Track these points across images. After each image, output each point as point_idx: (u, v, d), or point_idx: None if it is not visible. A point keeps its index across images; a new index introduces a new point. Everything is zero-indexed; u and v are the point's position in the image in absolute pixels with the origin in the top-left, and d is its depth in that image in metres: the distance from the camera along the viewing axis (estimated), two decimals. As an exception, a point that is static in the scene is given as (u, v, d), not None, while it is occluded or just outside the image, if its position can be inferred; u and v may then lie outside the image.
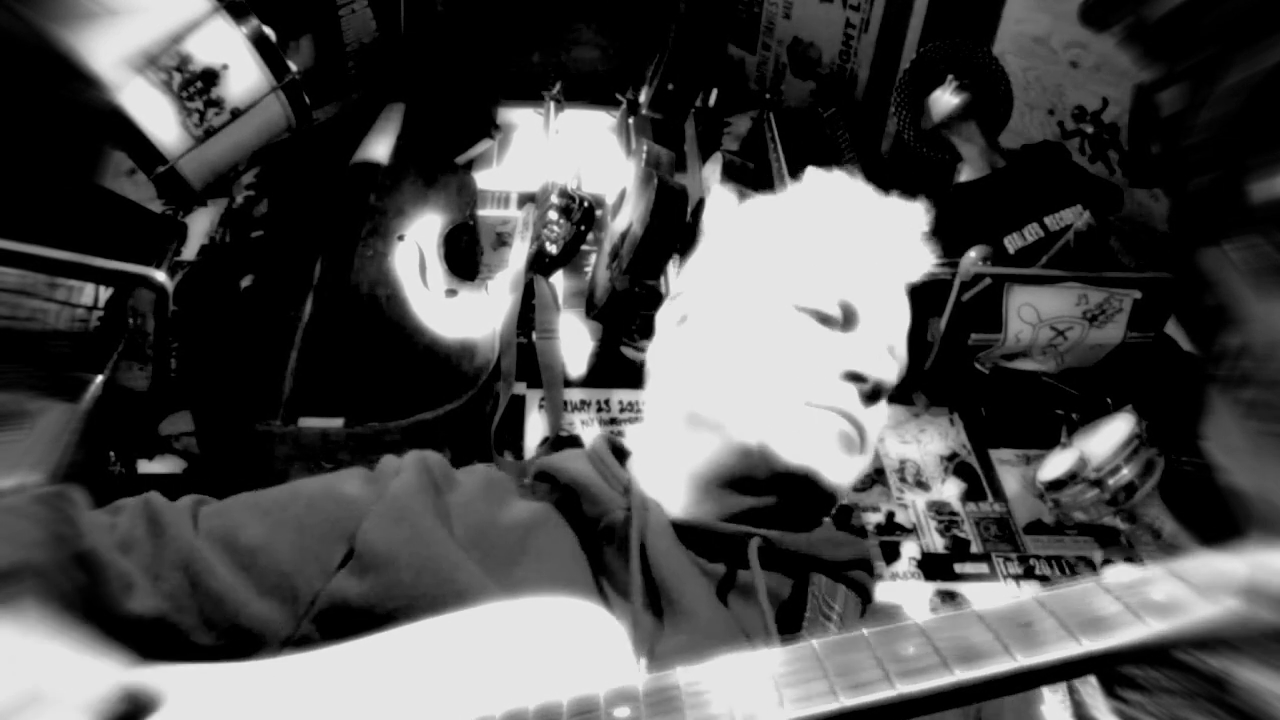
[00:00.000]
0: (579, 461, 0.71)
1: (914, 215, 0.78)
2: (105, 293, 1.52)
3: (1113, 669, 0.40)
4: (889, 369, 0.69)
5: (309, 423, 1.62)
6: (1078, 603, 0.40)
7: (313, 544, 0.58)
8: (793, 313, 0.70)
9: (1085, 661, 0.38)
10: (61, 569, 0.50)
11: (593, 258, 2.16)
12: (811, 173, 0.83)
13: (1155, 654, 0.39)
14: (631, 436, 0.79)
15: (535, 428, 1.88)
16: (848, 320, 0.70)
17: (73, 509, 0.55)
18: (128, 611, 0.52)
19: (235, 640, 0.54)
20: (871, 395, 0.68)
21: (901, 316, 0.75)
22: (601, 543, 0.64)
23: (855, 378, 0.67)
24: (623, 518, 0.63)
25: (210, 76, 1.54)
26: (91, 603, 0.51)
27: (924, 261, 0.78)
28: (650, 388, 0.79)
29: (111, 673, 0.46)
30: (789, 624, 0.63)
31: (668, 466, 0.70)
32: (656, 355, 0.79)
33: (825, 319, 0.69)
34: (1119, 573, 0.42)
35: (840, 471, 0.66)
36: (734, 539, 0.65)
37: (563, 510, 0.67)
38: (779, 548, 0.65)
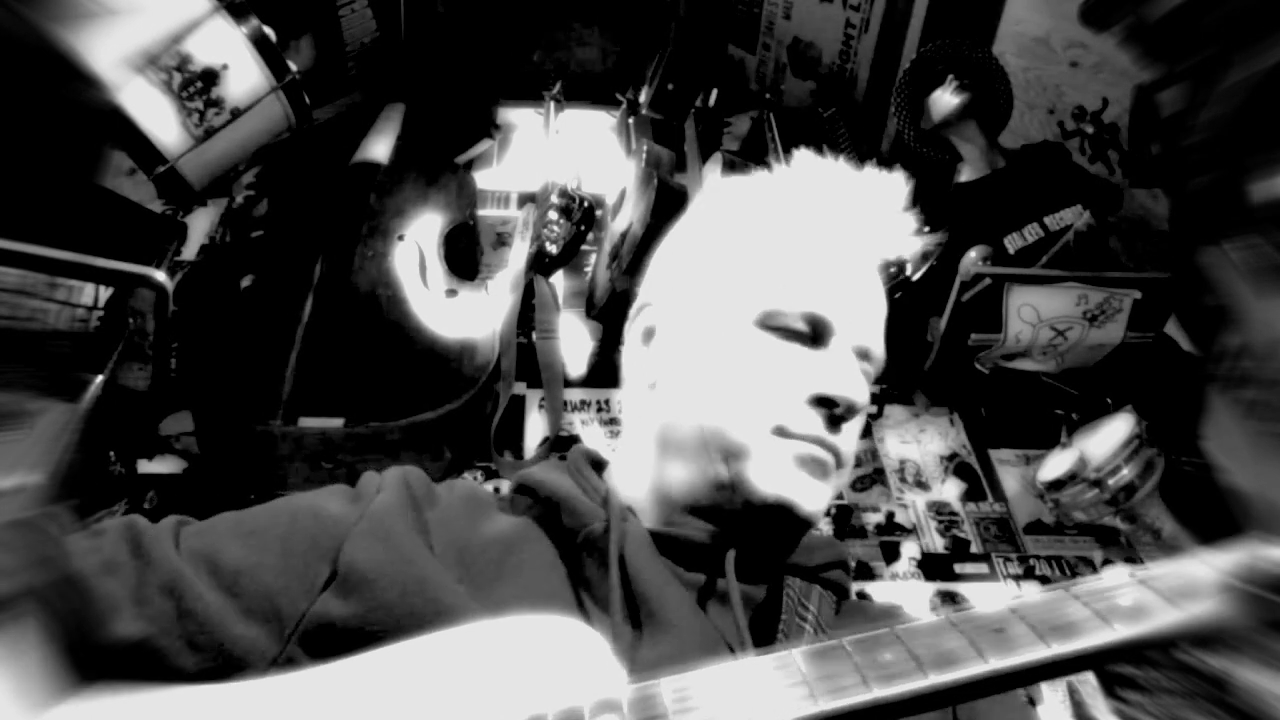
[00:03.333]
0: (557, 474, 0.71)
1: (890, 187, 0.75)
2: (105, 293, 1.52)
3: (1090, 670, 0.42)
4: (860, 389, 0.66)
5: (309, 423, 1.62)
6: (1049, 609, 0.42)
7: (296, 564, 0.58)
8: (757, 334, 0.67)
9: (1054, 664, 0.40)
10: (47, 593, 0.50)
11: (593, 258, 2.16)
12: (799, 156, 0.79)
13: (1125, 655, 0.40)
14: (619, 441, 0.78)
15: (535, 428, 1.88)
16: (817, 336, 0.67)
17: (57, 532, 0.54)
18: (112, 635, 0.52)
19: (220, 663, 0.54)
20: (844, 416, 0.66)
21: (877, 312, 0.72)
22: (581, 554, 0.63)
23: (825, 402, 0.65)
24: (601, 529, 0.63)
25: (210, 76, 1.55)
26: (76, 627, 0.51)
27: (904, 236, 0.74)
28: (624, 398, 0.78)
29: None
30: (765, 627, 0.63)
31: (643, 485, 0.70)
32: (626, 369, 0.77)
33: (793, 335, 0.67)
34: (1095, 579, 0.43)
35: (815, 499, 0.64)
36: (711, 548, 0.65)
37: (543, 524, 0.67)
38: (755, 557, 0.65)
